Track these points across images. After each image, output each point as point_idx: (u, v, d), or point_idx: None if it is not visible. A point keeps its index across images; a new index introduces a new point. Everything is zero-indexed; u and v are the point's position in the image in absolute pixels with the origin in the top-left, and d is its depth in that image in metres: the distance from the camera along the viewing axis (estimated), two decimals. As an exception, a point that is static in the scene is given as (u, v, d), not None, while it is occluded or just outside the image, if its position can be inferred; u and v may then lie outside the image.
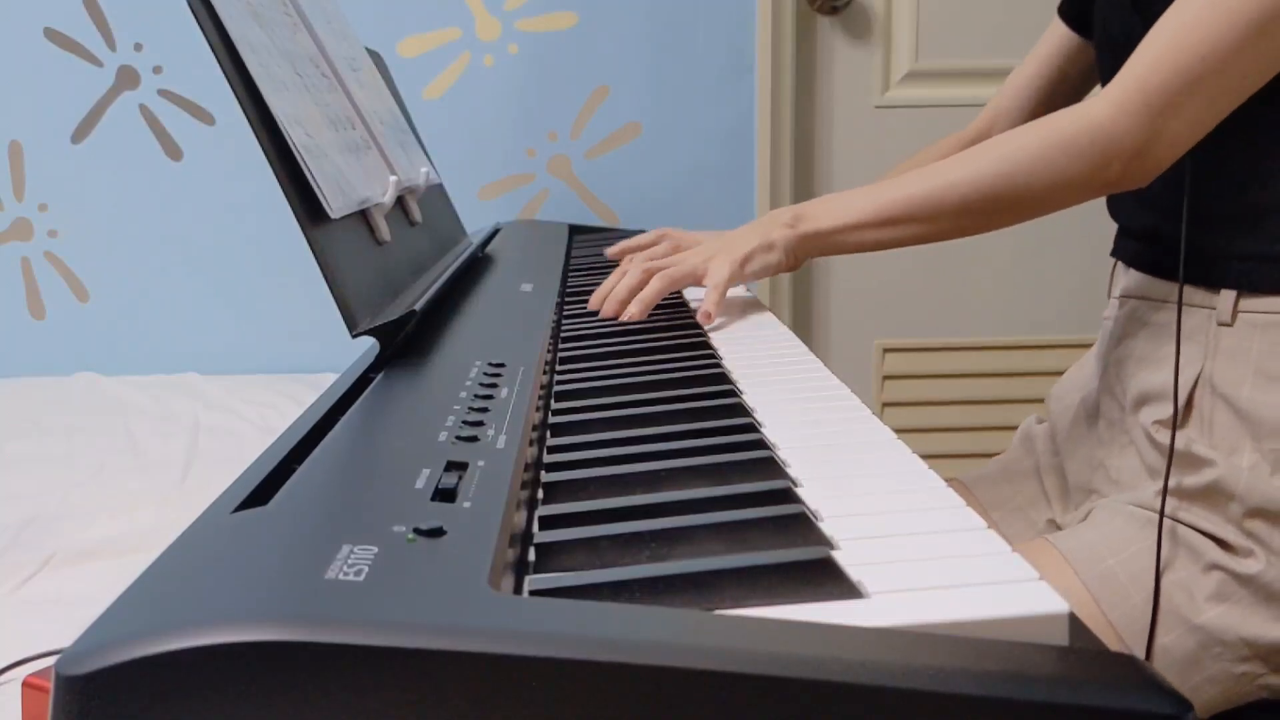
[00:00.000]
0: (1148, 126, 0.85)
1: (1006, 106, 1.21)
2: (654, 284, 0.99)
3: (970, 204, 0.91)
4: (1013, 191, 0.90)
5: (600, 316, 1.01)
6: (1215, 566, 0.86)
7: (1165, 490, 0.88)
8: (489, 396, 0.68)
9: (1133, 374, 0.97)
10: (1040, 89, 1.18)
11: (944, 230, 0.94)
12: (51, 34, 1.90)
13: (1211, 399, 0.90)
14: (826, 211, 0.98)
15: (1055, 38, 1.16)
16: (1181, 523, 0.88)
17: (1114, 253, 1.05)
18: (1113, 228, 1.06)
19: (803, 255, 0.99)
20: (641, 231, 1.76)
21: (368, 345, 0.82)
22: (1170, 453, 0.89)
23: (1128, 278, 1.01)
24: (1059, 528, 1.06)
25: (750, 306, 1.10)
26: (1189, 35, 0.83)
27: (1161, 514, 0.87)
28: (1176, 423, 0.90)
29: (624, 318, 0.99)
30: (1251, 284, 0.89)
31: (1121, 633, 0.86)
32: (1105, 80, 1.01)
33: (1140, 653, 0.86)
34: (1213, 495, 0.87)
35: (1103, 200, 1.25)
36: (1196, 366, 0.91)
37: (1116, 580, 0.87)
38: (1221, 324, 0.90)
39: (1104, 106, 0.86)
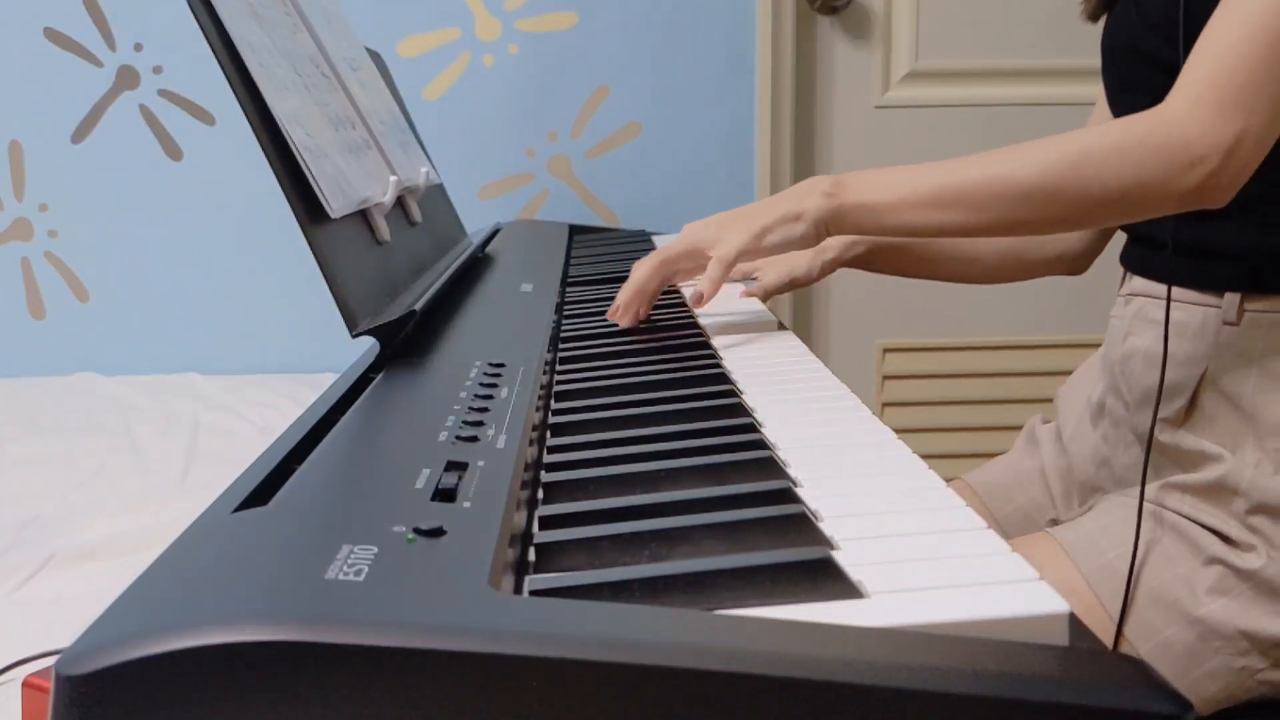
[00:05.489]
0: (1226, 123, 0.78)
1: None
2: (644, 265, 0.93)
3: (1031, 194, 0.82)
4: (1080, 186, 0.81)
5: (612, 319, 0.98)
6: (1216, 560, 0.86)
7: (1145, 474, 0.89)
8: (489, 396, 0.68)
9: (1138, 371, 0.96)
10: None
11: (995, 222, 0.85)
12: (51, 34, 1.90)
13: (1215, 397, 0.90)
14: (870, 185, 0.89)
15: None
16: (1184, 517, 0.88)
17: (1122, 259, 1.04)
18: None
19: (835, 229, 0.90)
20: (642, 231, 1.76)
21: (368, 345, 0.82)
22: (1149, 441, 0.89)
23: (1133, 280, 1.01)
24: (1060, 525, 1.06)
25: (750, 306, 1.10)
26: (1251, 25, 0.78)
27: (1141, 499, 0.88)
28: (1158, 407, 0.90)
29: (621, 320, 0.96)
30: (1253, 284, 0.89)
31: (1121, 625, 0.87)
32: (1112, 100, 1.00)
33: (1142, 647, 0.86)
34: (1217, 491, 0.87)
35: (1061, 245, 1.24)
36: (1201, 365, 0.90)
37: (1115, 573, 0.88)
38: (1226, 322, 0.89)
39: (1176, 107, 0.80)
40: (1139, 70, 0.94)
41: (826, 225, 0.89)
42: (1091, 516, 0.94)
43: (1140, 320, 0.98)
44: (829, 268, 1.21)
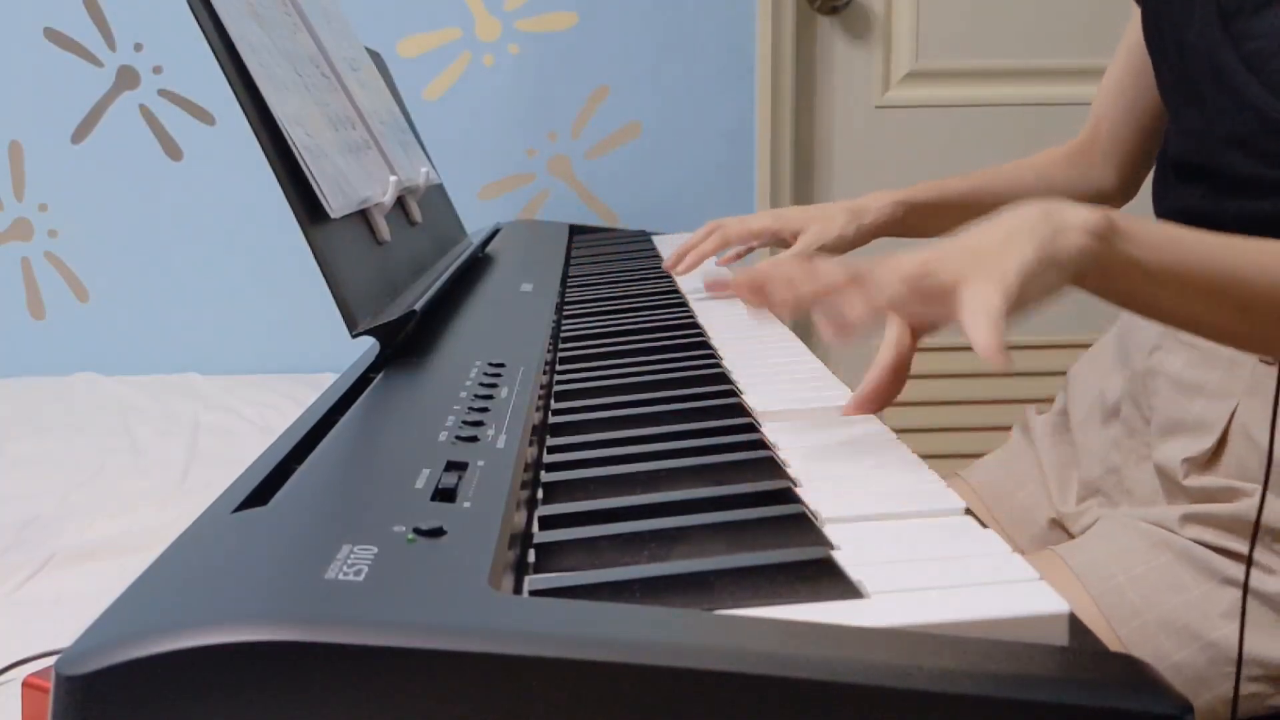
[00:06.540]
0: None
1: (1105, 112, 1.10)
2: (891, 289, 0.62)
3: None
4: None
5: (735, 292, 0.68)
6: (1234, 583, 0.84)
7: (1248, 575, 0.83)
8: (489, 396, 0.68)
9: (1165, 393, 0.92)
10: (1131, 85, 1.06)
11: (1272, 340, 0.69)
12: (51, 34, 1.90)
13: (1246, 443, 0.86)
14: (1151, 238, 0.65)
15: (1137, 24, 1.03)
16: (1201, 544, 0.86)
17: None
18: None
19: (1094, 285, 0.65)
20: (642, 232, 1.76)
21: (368, 345, 0.82)
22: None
23: None
24: (1060, 523, 1.05)
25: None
26: None
27: (1245, 591, 0.83)
28: (1265, 488, 0.83)
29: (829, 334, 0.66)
30: None
31: (1132, 650, 0.84)
32: (1169, 100, 0.94)
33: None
34: (1241, 522, 0.84)
35: (1096, 201, 1.22)
36: (1231, 400, 0.86)
37: (1126, 597, 0.86)
38: (1264, 360, 0.85)
39: None
40: (1206, 72, 0.86)
41: (1092, 275, 0.64)
42: (1100, 537, 0.92)
43: (1172, 337, 0.92)
44: (866, 234, 1.06)
